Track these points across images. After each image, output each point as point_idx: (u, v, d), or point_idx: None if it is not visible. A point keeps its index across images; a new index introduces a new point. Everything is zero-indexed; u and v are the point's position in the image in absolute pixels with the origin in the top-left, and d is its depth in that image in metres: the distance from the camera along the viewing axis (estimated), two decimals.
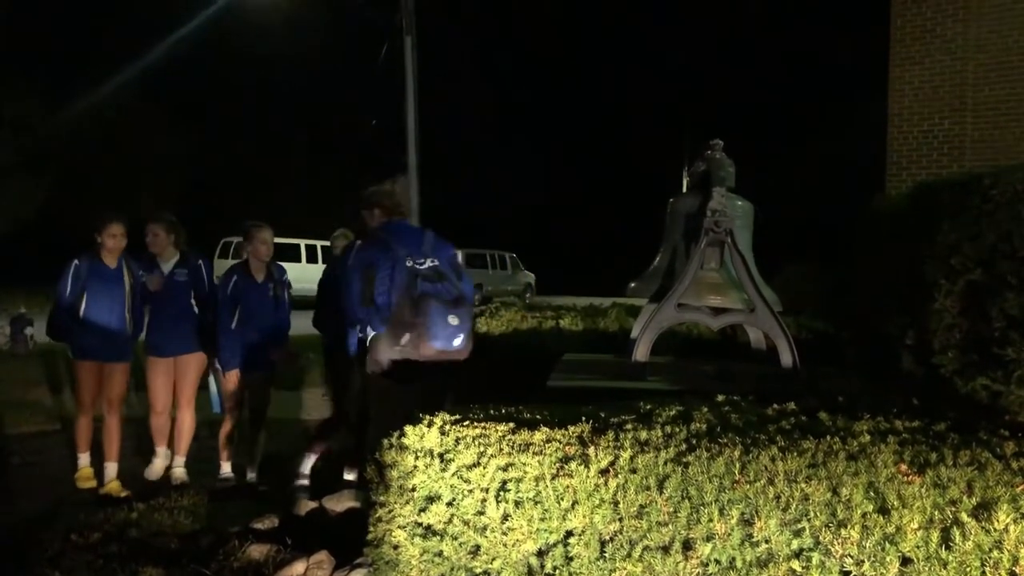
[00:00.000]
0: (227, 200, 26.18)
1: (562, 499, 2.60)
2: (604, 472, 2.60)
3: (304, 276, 13.65)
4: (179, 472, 5.53)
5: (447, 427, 2.89)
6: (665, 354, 4.94)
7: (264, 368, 5.52)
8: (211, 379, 5.81)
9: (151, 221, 5.51)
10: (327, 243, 6.79)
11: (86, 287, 5.24)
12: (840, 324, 5.83)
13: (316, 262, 21.50)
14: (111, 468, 5.33)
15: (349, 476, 4.93)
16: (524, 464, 2.68)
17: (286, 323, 5.67)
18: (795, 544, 2.35)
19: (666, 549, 2.46)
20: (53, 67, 26.09)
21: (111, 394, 5.39)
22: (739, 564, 2.39)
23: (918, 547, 2.23)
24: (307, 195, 30.07)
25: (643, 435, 2.73)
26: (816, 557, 2.30)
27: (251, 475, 5.49)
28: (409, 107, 14.81)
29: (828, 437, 2.65)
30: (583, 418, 2.92)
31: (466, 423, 2.92)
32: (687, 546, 2.45)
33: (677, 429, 2.79)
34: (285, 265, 5.94)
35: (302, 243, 22.53)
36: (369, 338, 3.83)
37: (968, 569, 2.17)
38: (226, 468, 5.48)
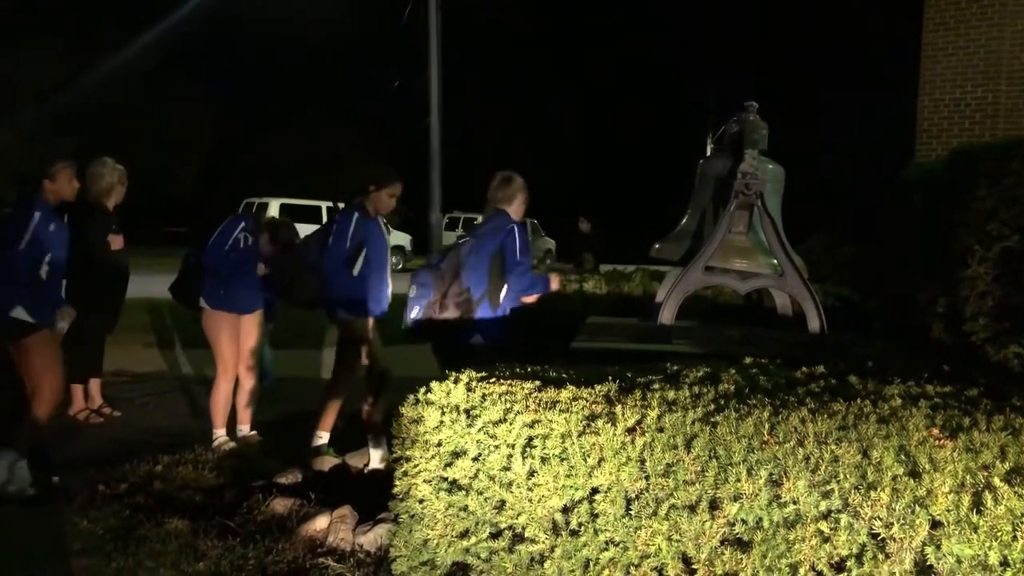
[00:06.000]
0: (247, 161, 26.27)
1: (588, 456, 2.60)
2: (631, 430, 2.59)
3: None
4: (254, 436, 5.39)
5: (473, 383, 2.89)
6: (689, 318, 4.90)
7: None
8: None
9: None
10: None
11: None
12: (866, 292, 5.77)
13: None
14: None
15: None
16: (550, 421, 2.67)
17: None
18: (823, 505, 2.32)
19: (693, 508, 2.45)
20: (78, 32, 26.09)
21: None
22: (766, 524, 2.37)
23: (948, 511, 2.20)
24: (327, 157, 30.07)
25: (670, 395, 2.71)
26: (845, 519, 2.28)
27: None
28: (432, 69, 14.67)
29: (858, 400, 2.61)
30: (609, 377, 2.90)
31: (492, 380, 2.91)
32: (714, 505, 2.44)
33: (705, 390, 2.77)
34: (307, 227, 5.73)
35: (323, 205, 22.54)
36: None
37: (999, 533, 2.14)
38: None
